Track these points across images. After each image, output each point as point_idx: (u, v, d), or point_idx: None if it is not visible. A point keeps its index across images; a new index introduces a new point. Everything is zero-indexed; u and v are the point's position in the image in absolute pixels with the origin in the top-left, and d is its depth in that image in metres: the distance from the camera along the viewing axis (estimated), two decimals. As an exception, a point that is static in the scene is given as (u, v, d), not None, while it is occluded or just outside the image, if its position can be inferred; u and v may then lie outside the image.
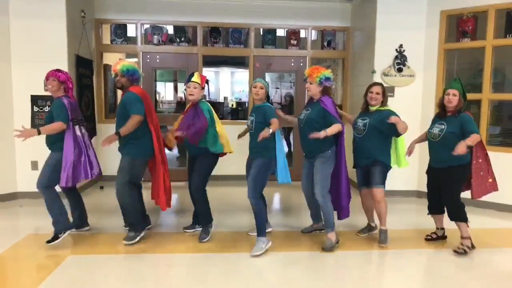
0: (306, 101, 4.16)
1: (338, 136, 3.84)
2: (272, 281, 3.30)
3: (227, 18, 6.72)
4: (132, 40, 6.79)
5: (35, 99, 5.41)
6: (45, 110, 5.41)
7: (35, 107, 5.43)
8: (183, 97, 9.31)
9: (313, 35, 7.09)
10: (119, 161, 3.96)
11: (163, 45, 6.73)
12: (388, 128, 3.84)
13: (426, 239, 4.21)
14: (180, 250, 3.86)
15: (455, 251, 3.88)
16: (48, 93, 5.39)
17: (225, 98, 14.27)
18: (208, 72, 14.35)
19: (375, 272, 3.69)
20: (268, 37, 6.88)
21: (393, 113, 3.90)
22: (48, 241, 3.82)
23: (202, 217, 4.19)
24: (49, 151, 3.93)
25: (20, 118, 5.36)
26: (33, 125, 5.33)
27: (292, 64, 6.97)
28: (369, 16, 6.06)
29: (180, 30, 6.76)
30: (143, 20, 6.67)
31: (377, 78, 5.75)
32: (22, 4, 5.33)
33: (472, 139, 3.60)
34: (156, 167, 4.03)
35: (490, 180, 3.98)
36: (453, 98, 3.81)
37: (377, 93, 3.99)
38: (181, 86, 12.17)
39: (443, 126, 3.86)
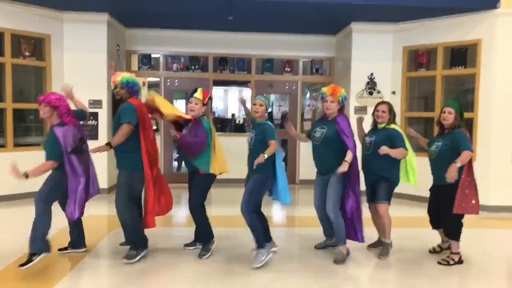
0: (317, 118, 4.21)
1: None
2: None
3: (233, 49, 8.19)
4: (155, 67, 8.28)
5: (81, 115, 6.88)
6: (88, 124, 6.89)
7: (81, 121, 6.88)
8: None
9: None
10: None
11: (181, 71, 8.22)
12: (392, 147, 3.91)
13: (430, 252, 4.25)
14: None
15: (438, 263, 4.01)
16: (92, 109, 6.89)
17: (233, 115, 15.69)
18: (217, 90, 15.83)
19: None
20: (267, 65, 8.34)
21: (398, 132, 4.03)
22: (21, 265, 3.56)
23: (202, 234, 4.13)
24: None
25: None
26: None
27: (287, 87, 8.40)
28: (347, 49, 7.48)
29: (194, 59, 8.26)
30: (164, 51, 8.18)
31: (352, 100, 7.14)
32: (74, 41, 6.85)
33: (462, 158, 3.70)
34: (146, 184, 3.84)
35: (474, 202, 3.88)
36: (448, 116, 3.87)
37: (383, 111, 4.06)
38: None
39: (439, 143, 3.92)
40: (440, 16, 6.52)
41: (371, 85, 7.17)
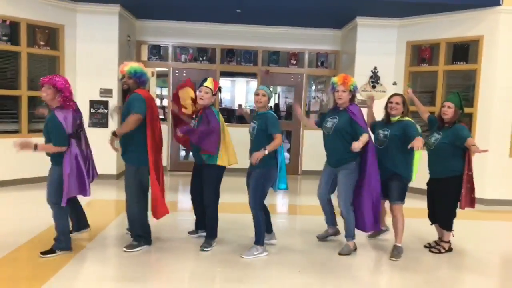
0: (330, 108, 4.27)
1: (365, 146, 3.75)
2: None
3: (240, 42, 8.35)
4: (164, 58, 8.49)
5: (92, 103, 7.11)
6: (99, 112, 7.14)
7: (91, 109, 7.13)
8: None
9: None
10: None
11: (189, 63, 8.42)
12: (410, 140, 3.73)
13: (426, 247, 4.31)
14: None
15: (431, 251, 4.20)
16: (102, 98, 7.19)
17: (239, 106, 15.88)
18: (225, 81, 16.01)
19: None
20: (273, 58, 8.51)
21: (413, 124, 3.89)
22: (43, 253, 3.68)
23: (208, 230, 4.08)
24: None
25: (81, 117, 7.09)
26: (91, 123, 7.04)
27: (292, 79, 8.58)
28: (352, 43, 7.63)
29: (202, 50, 8.45)
30: (173, 42, 8.38)
31: (355, 92, 7.30)
32: (86, 31, 7.07)
33: (472, 142, 3.77)
34: (152, 176, 3.83)
35: (472, 196, 4.01)
36: (447, 110, 3.92)
37: (397, 103, 3.96)
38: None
39: (438, 136, 3.97)
40: (444, 12, 6.64)
41: (375, 79, 7.33)
